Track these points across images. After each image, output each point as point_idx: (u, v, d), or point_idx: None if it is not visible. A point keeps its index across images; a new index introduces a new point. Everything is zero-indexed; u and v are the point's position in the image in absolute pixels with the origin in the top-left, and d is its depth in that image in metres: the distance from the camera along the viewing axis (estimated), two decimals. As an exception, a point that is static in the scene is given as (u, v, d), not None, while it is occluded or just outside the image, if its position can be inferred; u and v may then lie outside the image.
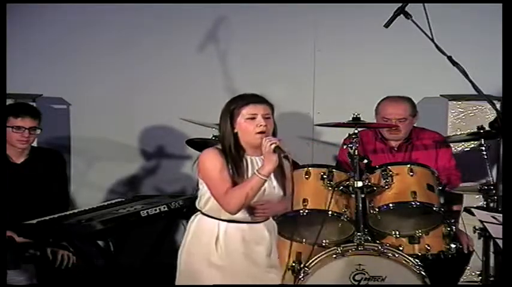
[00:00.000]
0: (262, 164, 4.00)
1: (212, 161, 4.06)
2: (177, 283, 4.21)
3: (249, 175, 4.03)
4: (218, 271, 4.06)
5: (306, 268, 4.88)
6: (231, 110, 4.06)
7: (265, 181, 3.98)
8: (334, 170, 5.13)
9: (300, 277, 4.85)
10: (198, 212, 4.17)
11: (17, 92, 6.00)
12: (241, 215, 4.07)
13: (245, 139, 4.05)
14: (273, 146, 3.95)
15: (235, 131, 4.05)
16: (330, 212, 5.00)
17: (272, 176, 4.07)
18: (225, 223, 4.09)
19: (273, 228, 4.25)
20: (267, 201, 4.08)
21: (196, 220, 4.16)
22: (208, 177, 4.08)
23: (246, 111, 4.02)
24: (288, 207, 4.36)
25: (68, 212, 5.03)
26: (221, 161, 4.03)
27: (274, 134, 4.10)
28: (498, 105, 4.78)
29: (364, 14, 6.23)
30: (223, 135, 4.09)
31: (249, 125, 4.02)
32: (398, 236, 5.10)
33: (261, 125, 4.00)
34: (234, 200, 4.02)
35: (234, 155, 4.04)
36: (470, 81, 4.40)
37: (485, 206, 5.03)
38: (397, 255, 4.91)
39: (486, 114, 6.04)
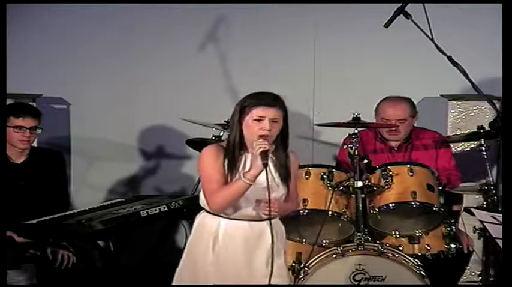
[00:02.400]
0: (249, 168, 4.00)
1: (208, 158, 4.08)
2: (176, 277, 4.20)
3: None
4: (214, 269, 4.06)
5: (306, 268, 4.88)
6: (242, 107, 4.06)
7: (250, 184, 3.97)
8: (334, 170, 5.13)
9: (300, 277, 4.85)
10: (203, 210, 4.18)
11: (17, 92, 6.00)
12: (244, 212, 4.07)
13: (248, 138, 4.06)
14: (259, 150, 3.96)
15: (242, 127, 4.05)
16: (330, 212, 5.00)
17: (275, 174, 4.07)
18: (226, 219, 4.09)
19: (279, 229, 4.20)
20: (274, 199, 4.06)
21: (200, 217, 4.18)
22: (201, 173, 4.12)
23: (255, 112, 4.02)
24: (293, 209, 4.35)
25: (68, 212, 5.03)
26: (217, 159, 4.05)
27: (285, 138, 4.09)
28: (498, 105, 4.78)
29: (364, 14, 6.23)
30: (230, 128, 4.10)
31: (254, 126, 4.02)
32: (398, 236, 5.10)
33: (264, 129, 4.00)
34: (219, 200, 4.05)
35: (233, 151, 4.05)
36: (470, 81, 4.40)
37: (485, 206, 5.03)
38: (397, 255, 4.91)
39: (486, 114, 6.04)
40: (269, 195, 3.97)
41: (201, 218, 4.17)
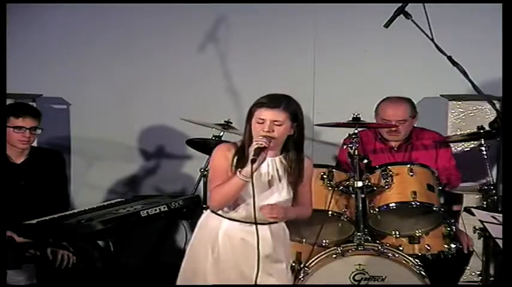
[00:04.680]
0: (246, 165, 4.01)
1: (216, 155, 4.11)
2: (179, 276, 4.20)
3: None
4: (213, 270, 4.07)
5: (306, 268, 4.88)
6: (250, 109, 4.07)
7: (244, 181, 3.96)
8: (334, 170, 5.13)
9: (300, 277, 4.85)
10: (208, 209, 4.20)
11: (17, 92, 6.00)
12: (245, 214, 4.06)
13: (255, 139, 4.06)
14: (254, 146, 3.95)
15: (251, 128, 4.06)
16: (330, 212, 5.00)
17: (283, 177, 4.06)
18: (227, 220, 4.09)
19: (282, 233, 4.19)
20: (277, 203, 4.06)
21: (203, 215, 4.18)
22: (210, 169, 4.15)
23: (258, 113, 4.03)
24: (304, 215, 4.31)
25: (68, 212, 5.03)
26: (225, 157, 4.05)
27: (297, 141, 4.08)
28: (498, 105, 4.78)
29: (364, 14, 6.23)
30: (244, 130, 4.11)
31: (258, 127, 4.02)
32: (398, 236, 5.10)
33: (264, 131, 3.99)
34: (216, 197, 4.06)
35: (243, 151, 4.06)
36: (470, 81, 4.40)
37: (485, 206, 5.02)
38: (397, 255, 4.92)
39: (486, 114, 6.03)
40: (254, 195, 3.96)
41: (204, 217, 4.18)
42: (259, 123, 4.02)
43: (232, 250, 4.07)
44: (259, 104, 4.04)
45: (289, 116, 4.04)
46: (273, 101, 4.04)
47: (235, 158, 4.05)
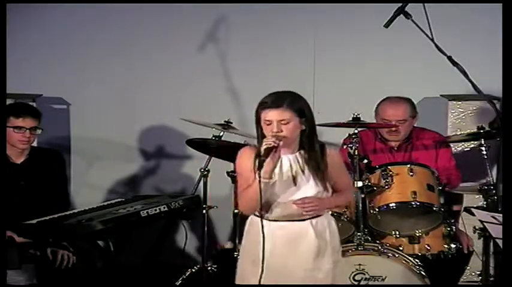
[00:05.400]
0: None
1: (240, 159, 4.10)
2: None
3: (277, 172, 4.03)
4: (258, 269, 4.05)
5: (306, 268, 4.88)
6: (256, 111, 4.07)
7: (264, 181, 3.96)
8: (334, 170, 5.12)
9: (300, 277, 4.85)
10: None
11: (17, 92, 6.00)
12: (281, 213, 4.06)
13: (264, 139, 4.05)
14: (264, 146, 3.95)
15: (263, 130, 4.06)
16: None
17: (307, 172, 4.05)
18: (269, 221, 4.09)
19: (326, 226, 4.15)
20: (312, 197, 4.06)
21: (248, 220, 4.18)
22: (237, 175, 4.16)
23: (263, 116, 4.03)
24: (343, 201, 4.36)
25: (68, 212, 5.03)
26: (247, 160, 4.05)
27: (308, 134, 4.08)
28: (498, 105, 4.77)
29: (364, 14, 6.23)
30: (256, 132, 4.11)
31: (267, 129, 4.02)
32: (398, 236, 5.11)
33: (273, 131, 3.99)
34: (242, 201, 4.08)
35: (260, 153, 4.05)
36: (470, 81, 4.40)
37: (485, 206, 5.03)
38: (397, 255, 4.92)
39: (486, 115, 6.03)
40: (260, 194, 3.95)
41: (249, 221, 4.18)
42: (267, 124, 4.02)
43: (276, 249, 4.06)
44: (262, 105, 4.04)
45: (294, 113, 4.03)
46: (276, 100, 4.03)
47: (257, 161, 4.04)
